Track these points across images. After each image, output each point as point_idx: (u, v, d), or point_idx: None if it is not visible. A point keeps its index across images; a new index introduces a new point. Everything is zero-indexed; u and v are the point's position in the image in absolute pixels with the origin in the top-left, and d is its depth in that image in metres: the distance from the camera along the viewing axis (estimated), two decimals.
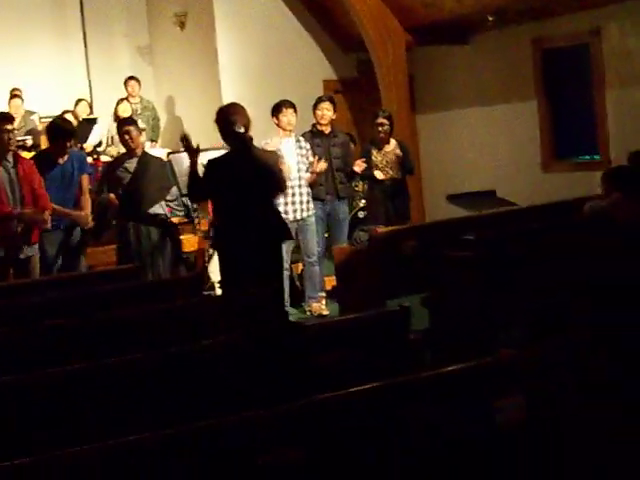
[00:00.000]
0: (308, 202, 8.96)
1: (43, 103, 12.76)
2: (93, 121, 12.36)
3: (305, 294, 9.16)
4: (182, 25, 13.03)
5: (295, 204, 8.86)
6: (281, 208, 8.72)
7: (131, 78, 12.73)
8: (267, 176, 6.80)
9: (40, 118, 12.41)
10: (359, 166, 9.21)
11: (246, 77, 12.50)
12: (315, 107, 9.39)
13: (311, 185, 9.02)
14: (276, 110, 8.89)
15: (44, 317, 5.03)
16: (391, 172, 9.64)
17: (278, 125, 8.89)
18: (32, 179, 7.70)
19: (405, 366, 3.98)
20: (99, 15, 13.75)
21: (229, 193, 6.67)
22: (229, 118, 6.73)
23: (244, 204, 6.66)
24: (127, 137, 8.26)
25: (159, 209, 8.33)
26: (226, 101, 11.99)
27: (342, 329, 4.16)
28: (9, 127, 7.63)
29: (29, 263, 7.73)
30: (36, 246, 7.80)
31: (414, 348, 4.34)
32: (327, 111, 9.31)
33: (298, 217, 8.89)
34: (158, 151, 10.90)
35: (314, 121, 9.40)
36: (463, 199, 9.21)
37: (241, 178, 6.67)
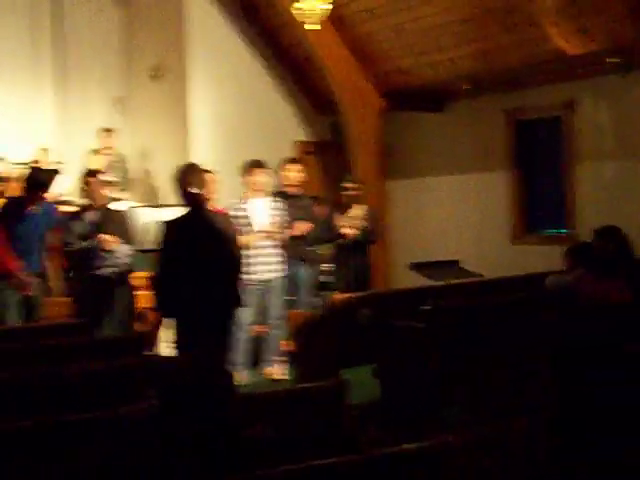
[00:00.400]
0: (277, 263, 8.78)
1: (14, 148, 12.60)
2: (55, 171, 12.18)
3: (260, 357, 8.96)
4: (156, 77, 12.94)
5: (263, 265, 8.68)
6: (249, 268, 8.58)
7: (105, 130, 12.57)
8: (220, 239, 6.68)
9: (13, 164, 12.26)
10: (298, 229, 9.05)
11: (218, 133, 12.44)
12: (282, 168, 9.29)
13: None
14: (246, 170, 8.76)
15: None
16: (354, 235, 9.54)
17: (248, 185, 8.75)
18: None
19: (333, 444, 3.80)
20: (75, 62, 13.64)
21: (182, 256, 6.52)
22: (185, 179, 6.63)
23: (196, 267, 6.51)
24: (91, 189, 8.18)
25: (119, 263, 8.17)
26: (195, 158, 12.06)
27: (273, 401, 3.98)
28: None
29: None
30: None
31: (351, 425, 4.15)
32: (297, 172, 9.21)
33: (265, 278, 8.71)
34: (123, 204, 10.74)
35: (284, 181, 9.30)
36: (426, 268, 9.07)
37: (194, 240, 6.54)
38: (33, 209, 8.10)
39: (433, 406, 6.20)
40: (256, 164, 8.79)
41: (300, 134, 13.07)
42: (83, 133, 12.98)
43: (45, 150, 12.49)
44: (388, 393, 6.71)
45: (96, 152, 11.95)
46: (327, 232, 9.62)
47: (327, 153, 13.01)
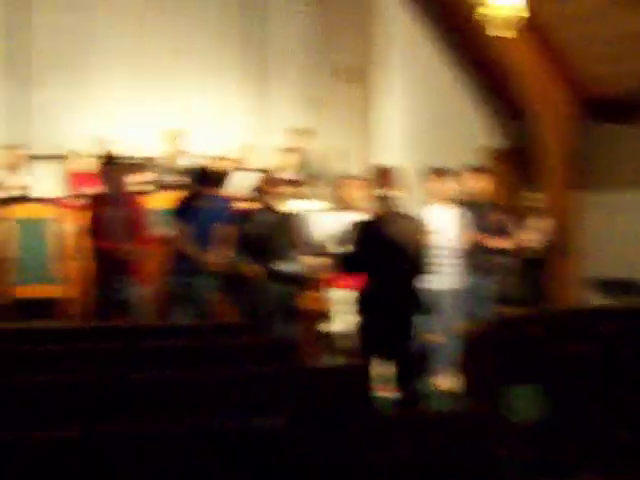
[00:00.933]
0: (458, 274, 8.69)
1: (208, 145, 12.89)
2: (250, 170, 12.37)
3: (433, 367, 8.87)
4: (349, 80, 12.99)
5: (443, 274, 8.60)
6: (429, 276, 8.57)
7: (297, 130, 12.70)
8: (407, 243, 6.62)
9: (203, 159, 12.55)
10: (479, 239, 8.90)
11: (406, 137, 12.39)
12: (464, 176, 9.17)
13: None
14: (428, 176, 8.69)
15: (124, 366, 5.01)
16: (534, 248, 9.30)
17: (429, 191, 8.67)
18: (138, 218, 8.08)
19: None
20: (276, 63, 13.90)
21: (372, 257, 6.52)
22: (378, 180, 6.65)
23: (385, 269, 6.51)
24: (270, 190, 8.20)
25: (290, 265, 8.18)
26: (382, 161, 12.03)
27: (415, 424, 3.88)
28: (121, 168, 8.17)
29: (128, 305, 7.88)
30: (136, 288, 7.98)
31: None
32: (474, 180, 9.06)
33: (445, 287, 8.64)
34: (307, 204, 10.74)
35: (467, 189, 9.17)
36: (606, 286, 8.72)
37: (383, 242, 6.52)
38: (203, 206, 8.21)
39: (600, 433, 5.97)
40: (437, 171, 8.70)
41: (487, 140, 12.82)
42: (278, 132, 13.17)
43: (249, 147, 12.75)
44: (553, 415, 6.50)
45: (284, 151, 12.04)
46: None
47: (514, 160, 12.73)
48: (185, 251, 8.21)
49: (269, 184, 8.28)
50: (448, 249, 8.61)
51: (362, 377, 4.79)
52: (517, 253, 9.36)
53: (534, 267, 9.34)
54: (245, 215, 8.49)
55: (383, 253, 6.53)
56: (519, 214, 9.47)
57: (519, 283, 9.33)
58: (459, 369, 8.44)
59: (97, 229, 7.96)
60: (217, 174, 8.56)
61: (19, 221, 10.56)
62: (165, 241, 8.50)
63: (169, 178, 11.57)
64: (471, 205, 9.01)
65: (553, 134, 11.49)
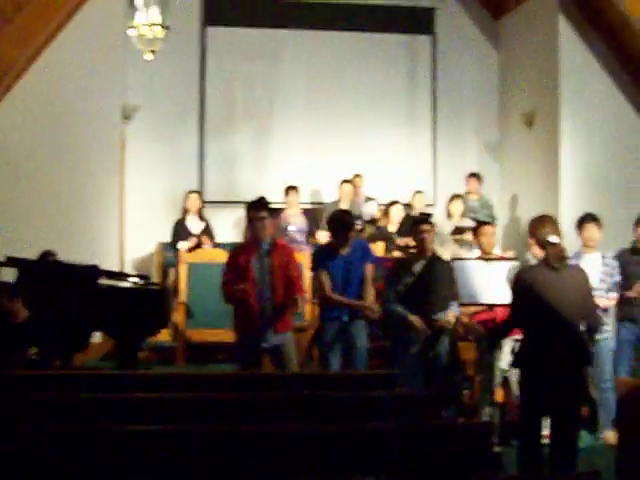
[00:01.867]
0: (602, 325, 8.30)
1: (383, 190, 12.91)
2: (427, 216, 12.24)
3: (599, 422, 8.47)
4: (530, 124, 12.73)
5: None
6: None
7: (473, 175, 12.56)
8: (574, 292, 6.33)
9: (378, 205, 12.56)
10: (635, 289, 8.44)
11: (587, 184, 11.93)
12: (637, 223, 8.75)
13: (619, 305, 8.40)
14: (579, 223, 8.38)
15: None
16: None
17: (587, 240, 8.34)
18: (289, 267, 7.82)
19: None
20: (450, 108, 13.84)
21: (535, 309, 6.28)
22: (543, 228, 6.38)
23: (549, 323, 6.24)
24: (423, 236, 8.02)
25: (440, 315, 7.95)
26: (563, 208, 11.69)
27: None
28: (264, 214, 7.78)
29: (278, 352, 7.80)
30: (287, 335, 7.89)
31: None
32: None
33: (606, 337, 8.28)
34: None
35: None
36: None
37: (547, 294, 6.25)
38: (344, 252, 8.06)
39: None
40: (588, 218, 8.37)
41: None
42: (455, 178, 13.06)
43: (420, 193, 12.67)
44: None
45: (457, 197, 11.88)
46: None
47: None
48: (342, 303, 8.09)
49: (426, 232, 8.04)
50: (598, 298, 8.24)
51: (483, 435, 4.54)
52: None
53: None
54: (401, 262, 8.31)
55: (549, 305, 6.24)
56: None
57: None
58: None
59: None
60: (350, 219, 8.27)
61: (193, 265, 10.87)
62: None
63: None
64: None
65: None
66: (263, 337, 7.77)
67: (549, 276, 6.21)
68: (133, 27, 8.77)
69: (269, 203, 8.30)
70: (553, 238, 6.24)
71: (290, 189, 11.95)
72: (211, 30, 13.28)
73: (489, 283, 6.90)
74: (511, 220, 13.42)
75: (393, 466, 3.92)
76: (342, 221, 8.13)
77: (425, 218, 8.56)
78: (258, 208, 7.91)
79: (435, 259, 8.02)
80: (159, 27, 8.58)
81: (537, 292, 6.23)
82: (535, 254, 6.42)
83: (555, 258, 6.23)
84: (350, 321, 8.07)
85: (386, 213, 12.03)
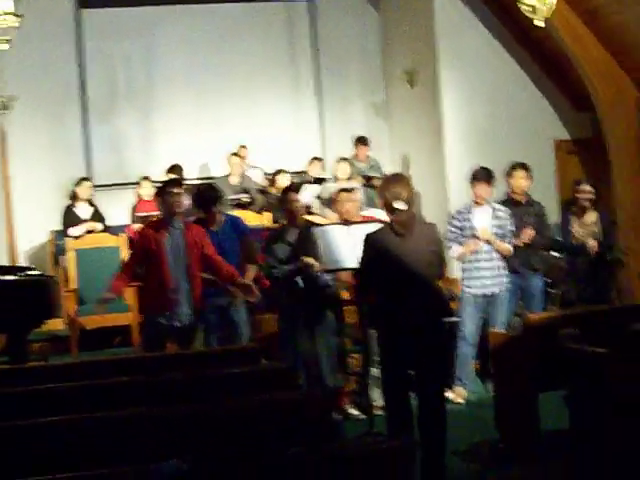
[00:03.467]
0: (500, 277, 8.43)
1: (272, 160, 12.91)
2: (322, 180, 12.29)
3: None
4: (412, 82, 12.79)
5: (484, 278, 8.39)
6: (469, 282, 8.37)
7: (359, 140, 12.55)
8: (425, 252, 6.29)
9: (265, 175, 12.59)
10: (525, 235, 8.59)
11: (472, 138, 12.04)
12: (509, 175, 8.86)
13: (505, 257, 8.53)
14: (472, 179, 8.50)
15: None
16: (590, 244, 8.94)
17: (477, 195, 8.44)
18: (203, 246, 7.66)
19: None
20: (334, 72, 13.86)
21: (385, 270, 6.23)
22: (391, 190, 6.26)
23: (400, 282, 6.21)
24: (293, 206, 8.02)
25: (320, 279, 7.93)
26: (449, 159, 11.82)
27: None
28: (175, 190, 7.62)
29: (188, 332, 7.69)
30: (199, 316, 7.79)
31: None
32: (523, 180, 8.76)
33: (488, 292, 8.40)
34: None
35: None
36: None
37: (394, 255, 6.21)
38: (215, 228, 8.03)
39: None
40: (478, 174, 8.45)
41: (560, 133, 12.38)
42: (345, 141, 13.05)
43: (317, 160, 12.70)
44: (573, 423, 6.19)
45: (343, 160, 11.88)
46: (564, 240, 9.12)
47: (590, 152, 12.25)
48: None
49: (296, 202, 8.02)
50: (493, 251, 8.36)
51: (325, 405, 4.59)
52: (576, 251, 9.01)
53: (595, 265, 8.93)
54: (273, 236, 8.26)
55: (397, 265, 6.20)
56: (581, 209, 9.07)
57: (576, 282, 8.96)
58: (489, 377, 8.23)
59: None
60: (215, 193, 8.20)
61: (82, 251, 10.79)
62: None
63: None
64: (515, 205, 8.73)
65: (619, 121, 10.99)
66: (176, 316, 7.60)
67: (395, 239, 6.12)
68: None
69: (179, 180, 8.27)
70: (399, 204, 6.09)
71: (173, 168, 11.92)
72: (85, 12, 13.11)
73: (353, 248, 6.88)
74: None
75: (208, 446, 3.94)
76: (206, 196, 8.07)
77: (293, 187, 8.57)
78: (173, 184, 7.78)
79: (307, 227, 7.95)
80: (12, 16, 8.42)
81: (384, 254, 6.11)
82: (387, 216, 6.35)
83: (400, 225, 6.13)
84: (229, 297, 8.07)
85: (273, 182, 12.04)
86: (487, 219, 8.38)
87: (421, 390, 6.33)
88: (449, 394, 8.26)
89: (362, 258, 6.33)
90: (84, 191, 11.57)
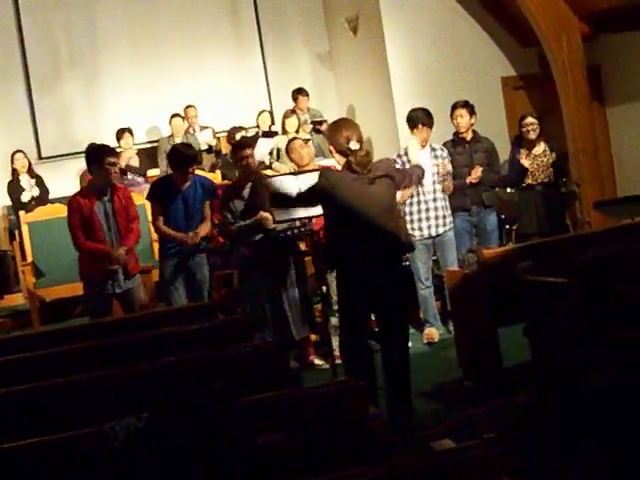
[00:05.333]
0: (444, 217, 8.48)
1: (220, 117, 12.84)
2: (273, 134, 12.22)
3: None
4: (354, 30, 12.70)
5: (430, 219, 8.44)
6: (415, 224, 8.39)
7: (298, 91, 12.47)
8: (384, 192, 6.25)
9: (215, 133, 12.50)
10: (474, 174, 8.63)
11: (418, 79, 11.98)
12: (451, 115, 8.88)
13: (450, 196, 8.56)
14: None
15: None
16: (542, 176, 8.98)
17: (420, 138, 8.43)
18: (128, 210, 7.69)
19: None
20: (276, 24, 13.76)
21: (343, 208, 6.19)
22: (342, 134, 6.22)
23: (360, 221, 6.17)
24: (246, 161, 7.95)
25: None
26: (398, 105, 11.76)
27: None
28: (112, 160, 7.57)
29: (129, 296, 7.71)
30: (136, 277, 7.79)
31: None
32: (461, 117, 8.77)
33: (433, 233, 8.46)
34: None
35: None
36: (612, 206, 8.30)
37: (358, 197, 6.18)
38: (183, 187, 7.99)
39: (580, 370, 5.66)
40: (423, 119, 8.44)
41: (506, 69, 12.36)
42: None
43: (264, 112, 12.62)
44: (536, 355, 6.23)
45: (291, 112, 11.81)
46: (514, 174, 9.15)
47: (537, 86, 12.27)
48: (165, 234, 8.06)
49: (248, 157, 7.95)
50: (436, 191, 8.42)
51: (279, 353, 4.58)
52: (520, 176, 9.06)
53: (545, 195, 8.96)
54: (229, 191, 8.19)
55: (354, 204, 6.15)
56: (529, 142, 9.09)
57: (532, 213, 8.99)
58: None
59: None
60: (192, 153, 8.17)
61: (34, 224, 10.68)
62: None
63: None
64: (460, 143, 8.78)
65: (564, 53, 10.97)
66: (115, 282, 7.65)
67: (353, 179, 6.08)
68: None
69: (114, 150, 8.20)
70: (354, 144, 6.12)
71: (122, 131, 11.84)
72: None
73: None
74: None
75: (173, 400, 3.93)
76: (182, 156, 7.99)
77: (245, 142, 8.50)
78: (108, 152, 7.68)
79: (259, 180, 7.91)
80: None
81: (341, 193, 6.08)
82: (338, 161, 6.31)
83: (358, 164, 6.10)
84: (189, 255, 8.07)
85: (232, 139, 11.91)
86: (427, 160, 8.40)
87: (382, 331, 6.35)
88: (423, 336, 8.45)
89: (311, 189, 6.29)
90: (19, 163, 11.58)
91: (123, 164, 11.06)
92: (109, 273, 7.56)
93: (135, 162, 11.71)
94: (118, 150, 11.17)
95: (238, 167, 8.09)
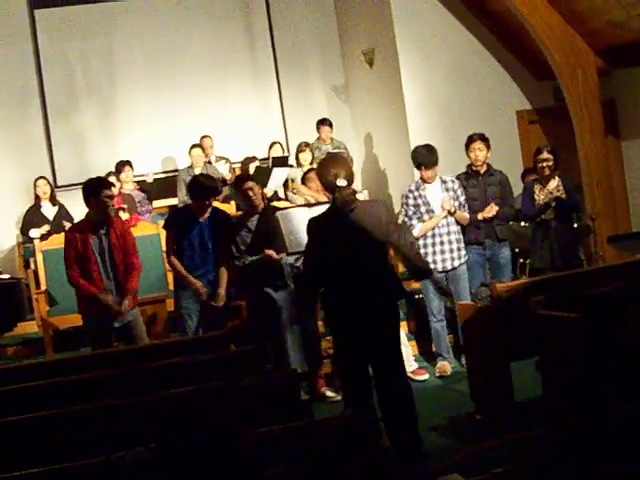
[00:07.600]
0: (459, 249, 8.50)
1: (235, 148, 12.89)
2: (284, 159, 12.21)
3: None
4: (370, 62, 12.75)
5: (445, 253, 8.47)
6: (429, 258, 8.40)
7: (322, 122, 12.49)
8: (371, 230, 6.23)
9: (231, 164, 12.53)
10: (490, 211, 8.62)
11: (434, 111, 12.01)
12: (467, 147, 8.89)
13: (464, 229, 8.57)
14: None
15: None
16: (554, 212, 8.95)
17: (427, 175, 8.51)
18: (125, 244, 7.67)
19: None
20: (292, 56, 13.85)
21: (331, 253, 6.16)
22: (330, 171, 6.21)
23: (347, 263, 6.15)
24: (248, 193, 7.97)
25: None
26: (413, 137, 11.79)
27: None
28: (108, 193, 7.58)
29: (130, 330, 7.71)
30: (134, 310, 7.80)
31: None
32: (479, 151, 8.78)
33: (448, 267, 8.49)
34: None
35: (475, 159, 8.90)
36: (624, 241, 8.27)
37: (341, 236, 6.16)
38: (202, 219, 7.98)
39: (593, 404, 5.63)
40: (425, 160, 8.48)
41: (521, 103, 12.38)
42: (307, 126, 13.01)
43: (276, 144, 12.64)
44: (548, 390, 6.20)
45: (305, 146, 11.81)
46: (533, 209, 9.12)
47: (552, 120, 12.28)
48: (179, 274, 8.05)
49: (251, 189, 7.97)
50: (449, 224, 8.45)
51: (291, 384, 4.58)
52: (539, 213, 9.02)
53: (556, 228, 8.92)
54: (237, 221, 8.21)
55: (343, 249, 6.11)
56: (543, 177, 9.07)
57: (544, 247, 8.95)
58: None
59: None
60: (212, 184, 8.16)
61: (48, 252, 10.71)
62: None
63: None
64: (476, 175, 8.79)
65: (579, 87, 10.98)
66: (114, 316, 7.67)
67: (339, 220, 6.07)
68: None
69: (111, 183, 8.22)
70: (341, 181, 6.05)
71: (122, 164, 11.87)
72: (39, 12, 13.01)
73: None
74: (367, 159, 13.51)
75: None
76: (204, 187, 7.98)
77: (246, 177, 8.54)
78: (107, 186, 7.69)
79: (267, 211, 7.97)
80: None
81: (329, 235, 6.09)
82: (328, 198, 6.32)
83: (343, 202, 6.07)
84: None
85: (247, 170, 11.96)
86: (438, 192, 8.47)
87: (378, 372, 6.33)
88: (436, 369, 8.47)
89: (307, 246, 6.32)
90: (41, 189, 11.50)
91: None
92: (105, 308, 7.55)
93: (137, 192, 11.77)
94: (117, 184, 11.14)
95: (241, 200, 8.12)
